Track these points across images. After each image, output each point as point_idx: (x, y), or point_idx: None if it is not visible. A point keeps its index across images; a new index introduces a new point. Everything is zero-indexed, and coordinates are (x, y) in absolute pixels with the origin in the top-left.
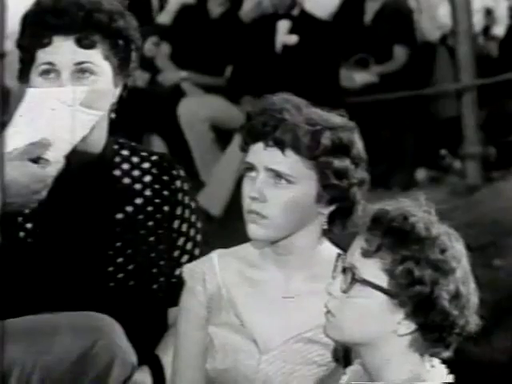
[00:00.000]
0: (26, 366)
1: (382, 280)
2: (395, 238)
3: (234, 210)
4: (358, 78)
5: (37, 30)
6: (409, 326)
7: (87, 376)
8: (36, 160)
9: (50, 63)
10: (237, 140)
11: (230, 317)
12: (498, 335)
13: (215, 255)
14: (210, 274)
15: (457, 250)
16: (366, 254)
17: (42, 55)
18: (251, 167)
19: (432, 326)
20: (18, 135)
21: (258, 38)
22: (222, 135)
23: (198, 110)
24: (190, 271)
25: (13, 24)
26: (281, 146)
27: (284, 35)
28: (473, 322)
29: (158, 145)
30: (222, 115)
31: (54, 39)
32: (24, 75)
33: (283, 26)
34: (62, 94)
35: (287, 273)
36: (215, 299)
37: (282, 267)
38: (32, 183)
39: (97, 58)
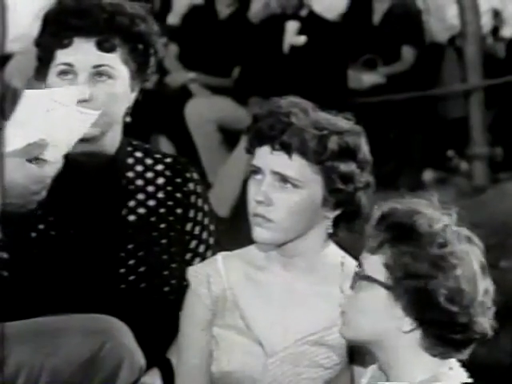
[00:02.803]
0: (33, 367)
1: (381, 274)
2: (396, 233)
3: (241, 212)
4: (365, 78)
5: (58, 30)
6: (411, 322)
7: (95, 378)
8: (34, 160)
9: (68, 64)
10: (244, 141)
11: (235, 319)
12: (504, 337)
13: (219, 257)
14: (214, 276)
15: (461, 248)
16: (370, 250)
17: (61, 55)
18: (257, 170)
19: (431, 323)
20: (16, 136)
21: (266, 38)
22: (229, 136)
23: (206, 111)
24: (194, 273)
25: (23, 26)
26: (287, 149)
27: (292, 36)
28: (483, 322)
29: (165, 146)
30: (230, 116)
31: (75, 40)
32: (41, 74)
33: (291, 26)
34: (57, 95)
35: (293, 275)
36: (220, 301)
37: (288, 270)
38: (31, 184)
39: (115, 61)
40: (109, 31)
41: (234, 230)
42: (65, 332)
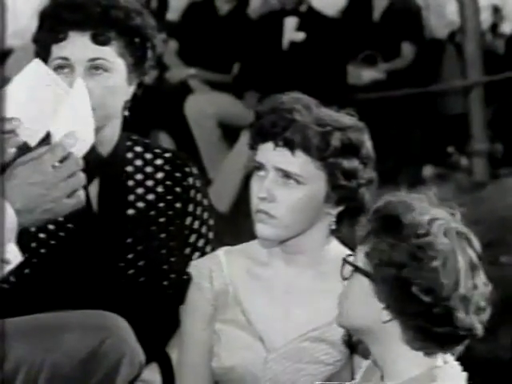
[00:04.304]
0: (34, 363)
1: (363, 262)
2: (380, 223)
3: (241, 207)
4: (365, 74)
5: (53, 25)
6: (388, 313)
7: (95, 374)
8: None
9: (64, 58)
10: (244, 137)
11: (236, 314)
12: (504, 332)
13: (222, 252)
14: (216, 271)
15: (444, 241)
16: (359, 240)
17: (57, 50)
18: (260, 166)
19: (407, 313)
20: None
21: (265, 34)
22: (229, 132)
23: (206, 107)
24: (196, 268)
25: (22, 22)
26: (290, 146)
27: (291, 32)
28: (466, 318)
29: (165, 142)
30: (229, 112)
31: (70, 34)
32: None
33: (290, 22)
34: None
35: (295, 271)
36: (222, 296)
37: (290, 266)
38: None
39: (111, 54)
40: (103, 25)
41: (234, 226)
42: (65, 328)
